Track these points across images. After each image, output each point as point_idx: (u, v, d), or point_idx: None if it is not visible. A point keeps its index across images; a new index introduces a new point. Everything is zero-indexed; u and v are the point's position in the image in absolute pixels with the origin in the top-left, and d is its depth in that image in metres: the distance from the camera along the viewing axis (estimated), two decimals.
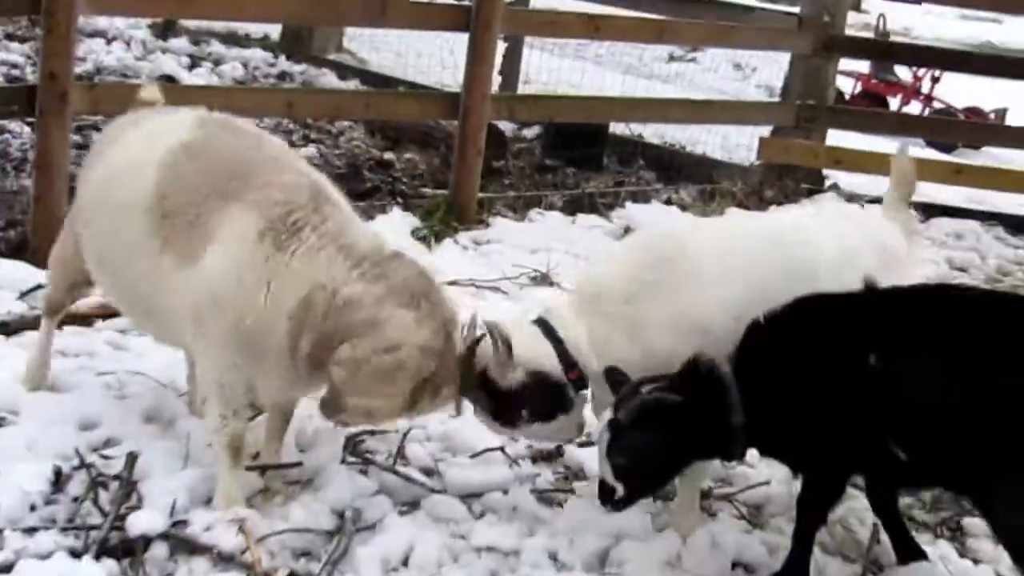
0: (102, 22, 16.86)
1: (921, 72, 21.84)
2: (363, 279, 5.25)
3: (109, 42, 16.72)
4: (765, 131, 14.05)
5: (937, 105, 21.68)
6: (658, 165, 14.45)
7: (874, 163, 13.33)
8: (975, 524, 6.22)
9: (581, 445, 6.56)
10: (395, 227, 9.96)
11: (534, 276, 9.37)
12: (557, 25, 12.20)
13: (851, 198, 13.22)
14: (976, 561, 5.94)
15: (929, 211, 13.31)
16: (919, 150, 17.87)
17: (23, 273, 7.92)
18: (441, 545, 5.48)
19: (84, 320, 7.33)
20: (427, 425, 6.55)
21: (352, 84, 16.34)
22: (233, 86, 15.01)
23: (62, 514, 5.34)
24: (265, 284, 5.22)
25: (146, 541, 5.15)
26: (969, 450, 4.89)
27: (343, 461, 6.00)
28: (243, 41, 18.34)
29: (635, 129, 15.44)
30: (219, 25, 18.33)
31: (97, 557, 5.01)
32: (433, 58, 15.76)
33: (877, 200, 12.80)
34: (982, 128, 18.10)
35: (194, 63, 16.55)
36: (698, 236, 5.86)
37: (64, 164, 8.44)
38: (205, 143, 5.61)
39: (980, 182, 14.01)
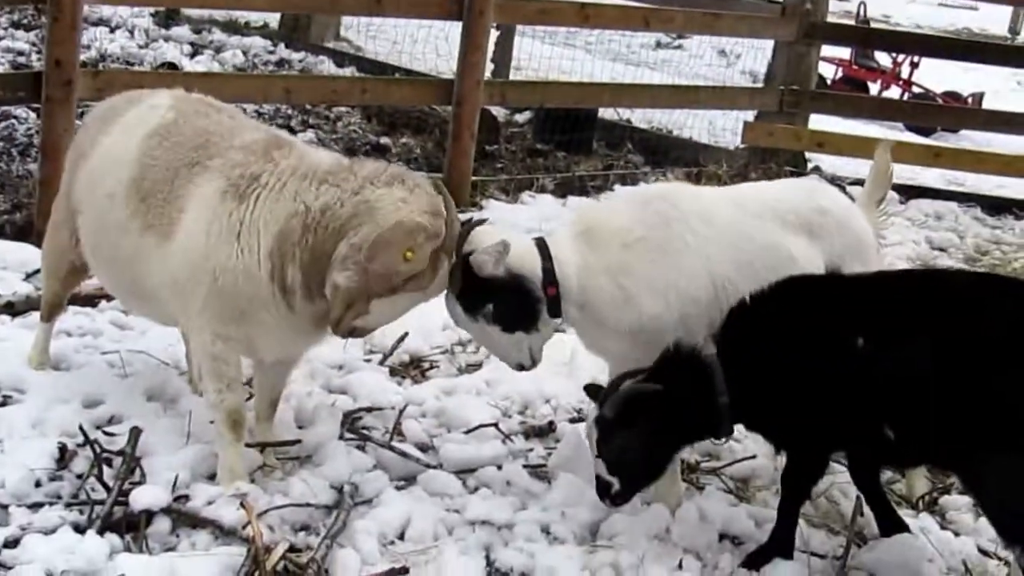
0: (106, 11, 17.02)
1: (900, 58, 21.97)
2: (333, 187, 5.26)
3: (113, 30, 16.88)
4: (749, 115, 14.25)
5: (916, 90, 21.75)
6: (646, 149, 14.59)
7: (855, 146, 13.61)
8: (955, 499, 6.28)
9: (573, 421, 6.71)
10: None
11: None
12: (548, 14, 12.31)
13: (833, 180, 13.41)
14: (957, 533, 5.97)
15: (909, 193, 13.51)
16: (899, 134, 18.15)
17: (29, 255, 7.99)
18: (436, 519, 5.53)
19: (88, 301, 7.38)
20: (423, 402, 6.67)
21: (349, 71, 16.43)
22: (233, 73, 15.15)
23: (67, 490, 5.39)
24: (235, 238, 5.27)
25: (149, 516, 5.19)
26: (955, 428, 4.91)
27: (341, 437, 6.06)
28: (243, 29, 18.48)
29: (623, 114, 15.64)
30: (220, 13, 18.50)
31: (101, 532, 5.03)
32: (428, 45, 15.81)
33: (859, 182, 13.19)
34: (960, 112, 18.19)
35: (196, 51, 16.71)
36: (687, 199, 5.91)
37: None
38: (176, 124, 5.69)
39: (958, 164, 14.27)
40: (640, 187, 6.33)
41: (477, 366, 7.44)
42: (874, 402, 5.08)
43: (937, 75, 22.14)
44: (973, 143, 18.41)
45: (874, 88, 22.20)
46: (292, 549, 5.07)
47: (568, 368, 7.29)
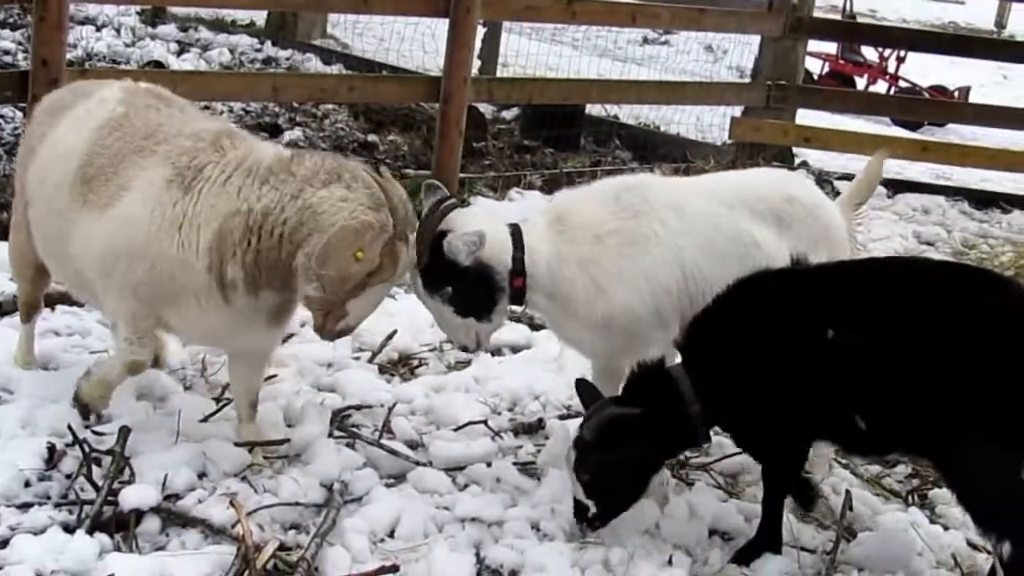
0: (92, 9, 16.99)
1: (887, 52, 22.06)
2: (273, 188, 5.28)
3: (99, 29, 16.85)
4: (737, 111, 14.32)
5: (903, 84, 21.87)
6: (633, 145, 14.66)
7: (842, 141, 13.70)
8: (944, 493, 6.23)
9: (562, 417, 6.72)
10: None
11: None
12: (535, 10, 12.25)
13: (820, 175, 13.46)
14: (946, 527, 5.99)
15: (896, 187, 13.54)
16: (886, 128, 18.24)
17: None
18: (426, 516, 5.52)
19: (76, 301, 7.23)
20: (412, 400, 6.68)
21: (336, 69, 16.40)
22: (220, 71, 15.08)
23: (56, 490, 5.37)
24: (176, 229, 5.30)
25: (138, 515, 5.18)
26: (926, 417, 4.94)
27: (330, 435, 6.06)
28: (230, 27, 18.50)
29: (611, 110, 15.66)
30: (206, 12, 18.49)
31: (90, 531, 5.02)
32: (415, 43, 15.74)
33: (846, 177, 13.26)
34: (946, 106, 18.31)
35: (182, 49, 16.70)
36: (659, 191, 5.96)
37: None
38: (126, 118, 5.70)
39: (945, 158, 14.30)
40: (611, 179, 6.28)
41: (466, 363, 7.44)
42: (844, 392, 5.09)
43: (923, 69, 22.24)
44: (960, 137, 18.50)
45: (861, 83, 22.28)
46: (282, 548, 5.07)
47: (557, 365, 7.30)
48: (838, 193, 12.78)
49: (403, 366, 7.41)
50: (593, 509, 5.39)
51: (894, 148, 13.90)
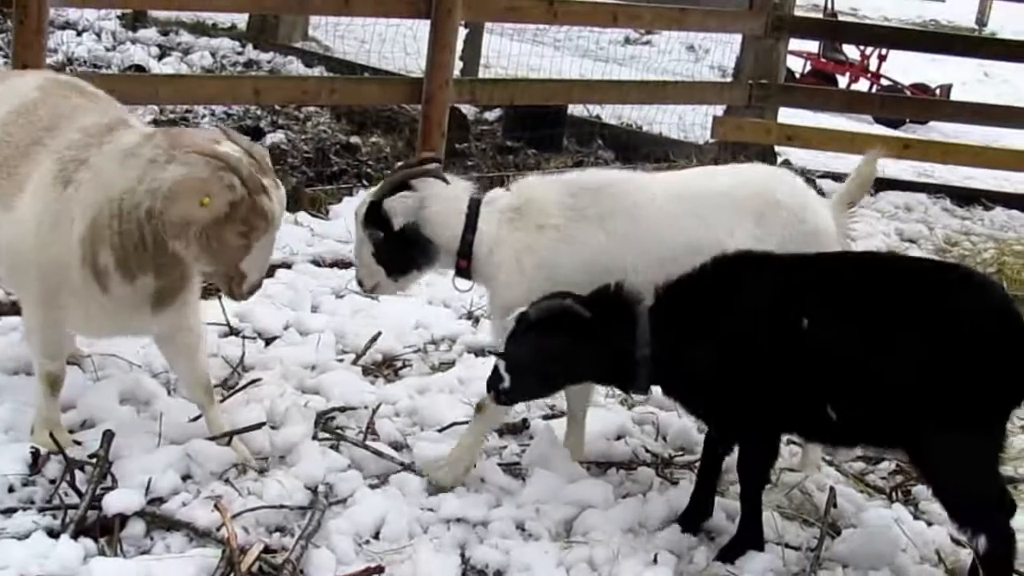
0: (72, 14, 16.96)
1: (868, 50, 22.10)
2: (129, 170, 5.29)
3: (80, 33, 16.83)
4: (719, 110, 14.32)
5: (884, 82, 21.91)
6: (616, 145, 14.68)
7: (824, 139, 13.73)
8: (927, 488, 6.21)
9: (546, 417, 6.73)
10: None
11: None
12: (516, 11, 12.23)
13: (802, 173, 13.49)
14: (930, 523, 6.01)
15: (879, 185, 13.45)
16: (867, 126, 18.27)
17: None
18: (411, 517, 5.53)
19: None
20: (396, 401, 6.67)
21: (318, 71, 16.46)
22: (202, 74, 15.12)
23: (40, 495, 5.37)
24: (60, 223, 5.34)
25: (123, 519, 5.18)
26: (899, 412, 4.98)
27: (315, 437, 6.07)
28: (211, 31, 18.52)
29: (593, 110, 15.67)
30: (187, 15, 18.53)
31: (75, 536, 5.01)
32: (396, 44, 15.79)
33: (828, 176, 13.31)
34: (928, 104, 18.36)
35: (163, 53, 16.69)
36: (629, 196, 5.94)
37: None
38: (36, 104, 5.72)
39: (927, 156, 14.28)
40: (582, 173, 6.30)
41: (450, 364, 7.45)
42: (817, 382, 5.13)
43: (905, 67, 22.28)
44: (942, 134, 18.54)
45: (842, 81, 22.33)
46: (267, 550, 5.06)
47: None
48: (821, 192, 12.89)
49: (387, 368, 7.40)
50: (507, 384, 5.50)
51: (876, 146, 13.95)
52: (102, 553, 5.01)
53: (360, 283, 6.16)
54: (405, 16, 12.34)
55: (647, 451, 6.50)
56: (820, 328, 5.09)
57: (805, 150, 14.24)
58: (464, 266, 5.90)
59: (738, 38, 14.87)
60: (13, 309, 6.80)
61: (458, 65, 13.03)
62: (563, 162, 13.57)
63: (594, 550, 5.36)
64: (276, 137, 12.89)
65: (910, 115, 19.14)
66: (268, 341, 7.46)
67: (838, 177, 13.49)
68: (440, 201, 5.89)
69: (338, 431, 6.28)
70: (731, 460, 6.25)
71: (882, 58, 22.14)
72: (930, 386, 4.92)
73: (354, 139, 13.39)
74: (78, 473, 5.44)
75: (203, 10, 16.80)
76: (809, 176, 13.25)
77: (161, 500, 5.38)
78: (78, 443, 5.75)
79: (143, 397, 6.35)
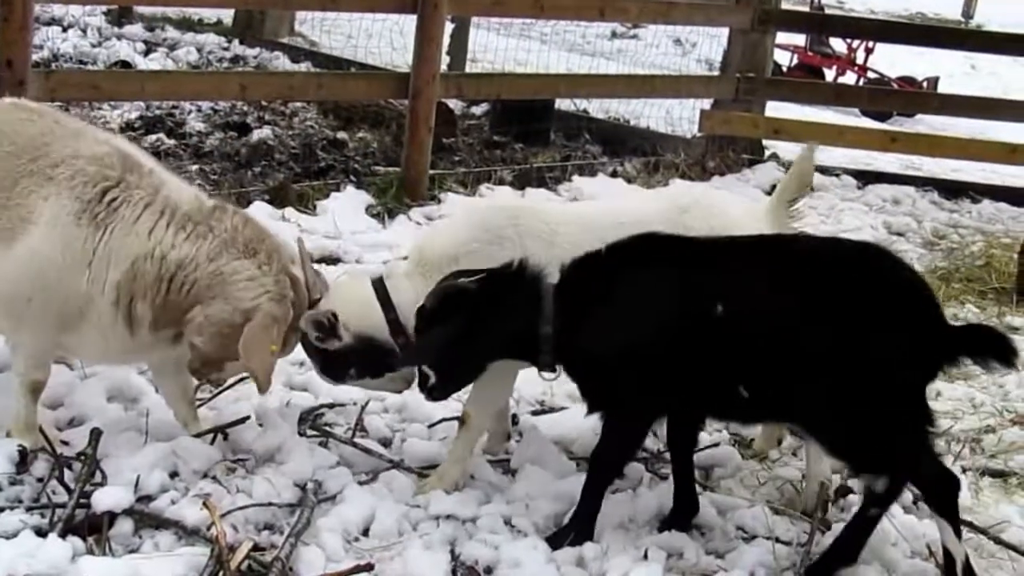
0: (58, 10, 16.93)
1: (855, 43, 22.13)
2: (190, 239, 5.38)
3: (65, 29, 16.82)
4: (706, 104, 14.26)
5: (871, 75, 21.96)
6: (603, 139, 14.63)
7: (812, 132, 13.67)
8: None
9: (535, 413, 6.72)
10: (349, 204, 10.21)
11: None
12: (503, 5, 12.32)
13: (790, 166, 13.47)
14: (920, 518, 5.97)
15: (866, 178, 13.63)
16: (855, 119, 18.28)
17: None
18: (400, 514, 5.51)
19: None
20: (385, 397, 6.62)
21: (304, 66, 16.42)
22: (188, 71, 15.09)
23: (27, 493, 5.34)
24: (87, 267, 5.33)
25: (111, 517, 5.15)
26: (806, 383, 5.06)
27: (303, 435, 6.07)
28: (197, 26, 18.48)
29: (580, 104, 15.64)
30: (173, 11, 18.47)
31: (63, 535, 4.97)
32: (383, 39, 15.77)
33: (817, 169, 13.25)
34: (915, 96, 18.39)
35: (149, 49, 16.66)
36: (532, 218, 5.88)
37: None
38: (3, 133, 5.57)
39: (915, 149, 14.38)
40: (482, 200, 6.27)
41: None
42: (730, 363, 5.16)
43: (891, 60, 22.30)
44: (929, 127, 18.58)
45: (829, 74, 22.36)
46: (256, 548, 5.03)
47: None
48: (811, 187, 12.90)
49: None
50: (433, 380, 5.50)
51: (864, 139, 14.06)
52: (90, 552, 4.98)
53: (400, 391, 6.13)
54: (391, 11, 12.39)
55: None
56: (733, 309, 5.12)
57: (792, 143, 14.22)
58: (403, 342, 5.77)
59: (725, 32, 14.86)
60: None
61: (445, 60, 13.00)
62: (551, 156, 13.55)
63: (584, 546, 5.34)
64: (263, 133, 12.87)
65: (897, 108, 19.22)
66: None
67: (826, 170, 13.54)
68: (347, 305, 5.76)
69: (327, 428, 6.27)
70: (721, 453, 6.43)
71: (869, 51, 22.17)
72: (845, 363, 5.00)
73: (341, 135, 13.37)
74: (66, 471, 5.41)
75: (189, 6, 16.77)
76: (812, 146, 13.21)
77: (149, 498, 5.35)
78: (65, 443, 5.73)
79: (130, 395, 6.33)
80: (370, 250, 9.36)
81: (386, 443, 6.27)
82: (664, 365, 5.24)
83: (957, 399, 7.64)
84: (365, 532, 5.43)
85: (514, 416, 6.65)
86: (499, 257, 5.61)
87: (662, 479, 6.14)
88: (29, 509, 5.23)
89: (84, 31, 17.01)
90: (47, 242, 5.34)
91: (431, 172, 11.27)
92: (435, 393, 5.59)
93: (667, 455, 6.28)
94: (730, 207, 6.22)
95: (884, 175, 14.03)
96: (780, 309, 5.09)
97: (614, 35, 24.39)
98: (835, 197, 12.96)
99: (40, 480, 5.42)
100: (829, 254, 5.35)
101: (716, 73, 16.05)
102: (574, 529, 5.40)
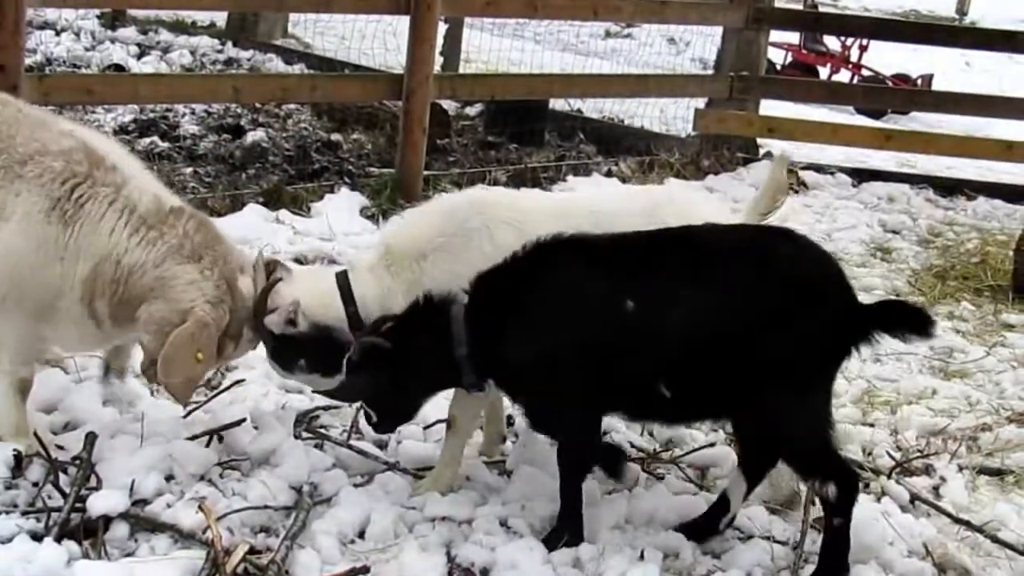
0: (51, 14, 16.94)
1: (849, 41, 22.17)
2: (141, 244, 5.44)
3: (58, 33, 16.82)
4: (700, 103, 14.31)
5: (865, 73, 22.00)
6: (598, 139, 14.63)
7: (806, 131, 13.80)
8: (915, 481, 6.39)
9: None
10: (344, 206, 10.21)
11: None
12: (496, 5, 12.30)
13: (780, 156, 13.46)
14: (917, 516, 6.01)
15: (861, 176, 13.62)
16: (849, 117, 18.30)
17: None
18: (396, 517, 5.50)
19: None
20: None
21: (298, 68, 16.44)
22: (182, 73, 15.13)
23: (23, 498, 5.33)
24: (59, 262, 5.40)
25: (106, 521, 5.15)
26: (730, 377, 5.06)
27: (298, 437, 6.06)
28: (190, 29, 18.48)
29: (575, 104, 15.67)
30: (166, 14, 18.52)
31: (58, 539, 4.97)
32: (376, 40, 15.69)
33: (812, 167, 13.34)
34: (909, 94, 18.38)
35: (142, 52, 16.67)
36: (499, 208, 5.84)
37: None
38: None
39: (909, 146, 14.40)
40: (451, 194, 6.24)
41: None
42: (647, 360, 5.16)
43: (886, 58, 22.31)
44: (924, 125, 18.62)
45: (824, 72, 22.39)
46: (252, 551, 5.03)
47: None
48: (802, 182, 12.92)
49: None
50: (374, 417, 5.61)
51: (858, 137, 14.06)
52: (86, 556, 4.97)
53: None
54: (385, 12, 12.36)
55: (633, 447, 6.47)
56: (645, 305, 5.12)
57: (787, 142, 14.23)
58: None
59: (719, 30, 14.88)
60: None
61: (438, 60, 13.00)
62: (545, 156, 13.54)
63: (580, 547, 5.33)
64: (257, 135, 12.86)
65: (892, 106, 19.25)
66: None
67: (821, 168, 13.56)
68: (306, 295, 5.75)
69: (322, 430, 6.27)
70: (717, 453, 6.42)
71: (863, 49, 22.21)
72: (760, 348, 5.02)
73: (335, 136, 13.37)
74: (61, 475, 5.40)
75: (182, 8, 16.74)
76: (791, 168, 13.24)
77: (145, 502, 5.34)
78: (60, 447, 5.71)
79: (126, 398, 6.33)
80: (365, 252, 9.30)
81: (381, 445, 6.25)
82: (582, 366, 5.23)
83: (953, 397, 7.64)
84: (361, 534, 5.42)
85: (509, 418, 6.62)
86: (467, 250, 5.64)
87: (658, 479, 6.15)
88: (24, 513, 5.21)
89: (77, 35, 17.01)
90: (21, 239, 5.39)
91: (425, 173, 11.26)
92: (379, 428, 5.71)
93: (663, 455, 6.39)
94: (704, 202, 6.25)
95: (879, 173, 14.02)
96: (688, 300, 5.09)
97: (608, 35, 24.44)
98: (830, 195, 12.97)
99: (35, 484, 5.41)
100: (733, 241, 5.34)
101: (710, 72, 16.10)
102: (564, 529, 5.40)
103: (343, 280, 5.80)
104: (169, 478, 5.58)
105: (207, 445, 5.86)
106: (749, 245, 5.28)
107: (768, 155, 14.01)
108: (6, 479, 5.44)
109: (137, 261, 5.44)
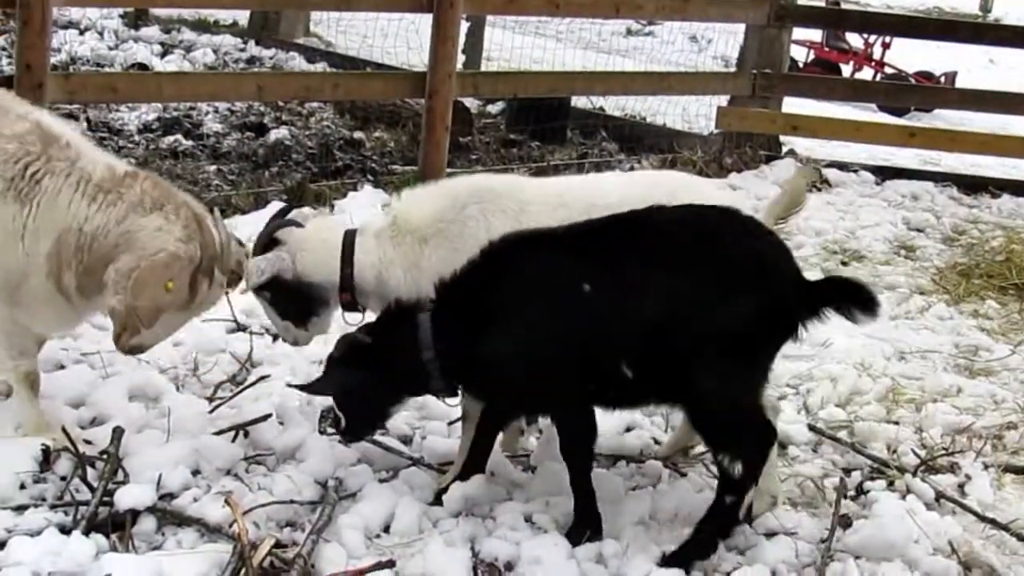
0: (75, 13, 17.05)
1: (872, 39, 22.11)
2: (101, 209, 5.45)
3: (82, 33, 16.91)
4: (723, 100, 14.25)
5: (888, 70, 21.94)
6: (620, 136, 14.66)
7: (829, 128, 13.75)
8: (940, 479, 6.35)
9: None
10: (367, 204, 10.22)
11: None
12: (518, 3, 12.36)
13: (807, 162, 13.47)
14: (942, 514, 5.98)
15: (885, 173, 13.51)
16: (872, 114, 18.26)
17: None
18: (421, 511, 5.52)
19: None
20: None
21: (320, 66, 16.50)
22: (205, 72, 15.16)
23: (51, 491, 5.38)
24: (19, 240, 5.42)
25: (134, 515, 5.19)
26: (677, 354, 5.08)
27: (323, 432, 6.01)
28: (213, 28, 18.59)
29: (596, 102, 15.66)
30: (189, 13, 18.59)
31: (86, 532, 5.01)
32: (398, 39, 15.70)
33: (834, 164, 13.30)
34: (933, 91, 18.36)
35: (166, 51, 16.75)
36: (498, 196, 5.85)
37: None
38: None
39: (933, 144, 14.27)
40: (461, 178, 6.24)
41: None
42: (608, 343, 5.18)
43: (909, 55, 22.25)
44: (947, 122, 18.54)
45: (846, 70, 22.33)
46: (278, 545, 5.06)
47: None
48: (825, 180, 12.87)
49: None
50: (343, 424, 5.59)
51: (882, 135, 14.03)
52: (114, 549, 5.01)
53: (288, 342, 6.19)
54: (407, 10, 12.40)
55: (657, 443, 6.48)
56: (601, 290, 5.16)
57: (810, 139, 14.21)
58: (347, 299, 5.86)
59: (741, 28, 14.86)
60: None
61: (460, 58, 13.02)
62: (567, 154, 13.56)
63: (604, 543, 5.34)
64: (280, 133, 12.91)
65: (915, 103, 19.17)
66: (276, 336, 7.41)
67: (844, 166, 13.51)
68: (308, 245, 5.84)
69: None
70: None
71: (886, 46, 22.16)
72: (703, 324, 5.05)
73: (358, 134, 13.42)
74: (89, 469, 5.44)
75: (205, 7, 16.84)
76: (815, 165, 13.22)
77: (172, 496, 5.39)
78: (88, 441, 5.73)
79: (152, 394, 6.38)
80: (376, 216, 9.32)
81: (406, 440, 6.28)
82: (552, 359, 5.27)
83: (979, 395, 7.61)
84: (386, 529, 5.44)
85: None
86: (463, 238, 5.68)
87: (682, 476, 6.16)
88: (53, 507, 5.26)
89: (101, 34, 17.10)
90: None
91: (448, 171, 11.22)
92: (347, 435, 5.69)
93: (686, 452, 6.38)
94: (707, 188, 6.23)
95: (903, 171, 13.90)
96: (639, 281, 5.12)
97: (629, 32, 24.42)
98: (853, 193, 12.92)
99: (63, 478, 5.45)
100: (680, 221, 5.36)
101: (732, 70, 16.06)
102: (583, 522, 5.41)
103: (348, 240, 5.86)
104: (196, 473, 5.62)
105: (233, 440, 5.89)
106: (694, 224, 5.31)
107: (791, 153, 14.03)
108: (35, 473, 5.48)
109: (99, 225, 5.44)
